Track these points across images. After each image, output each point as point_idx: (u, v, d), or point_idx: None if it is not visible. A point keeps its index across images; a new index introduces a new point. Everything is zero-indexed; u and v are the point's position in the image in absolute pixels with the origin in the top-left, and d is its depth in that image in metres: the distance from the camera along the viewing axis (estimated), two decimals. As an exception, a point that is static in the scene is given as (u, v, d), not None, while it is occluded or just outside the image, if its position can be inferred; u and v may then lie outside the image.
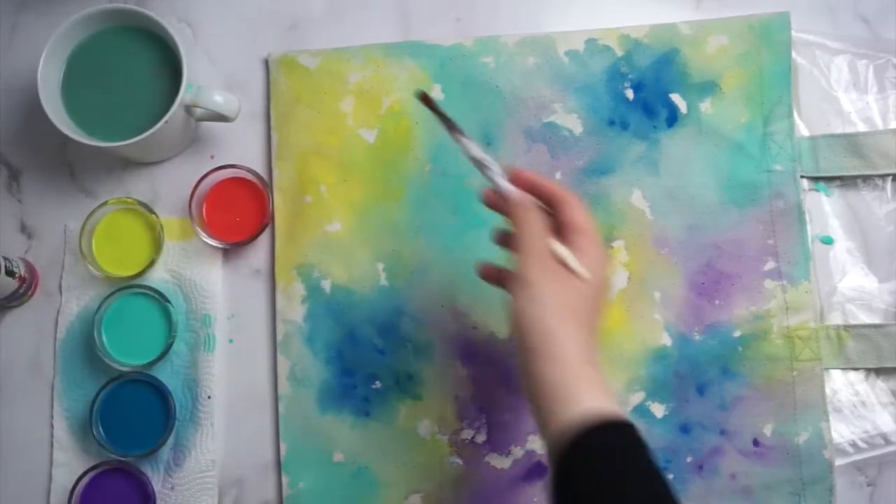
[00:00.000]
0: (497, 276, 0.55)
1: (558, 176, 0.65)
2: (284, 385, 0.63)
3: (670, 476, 0.61)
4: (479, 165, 0.52)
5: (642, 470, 0.44)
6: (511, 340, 0.63)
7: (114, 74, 0.62)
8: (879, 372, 0.62)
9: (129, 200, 0.64)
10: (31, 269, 0.65)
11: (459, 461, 0.62)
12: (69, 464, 0.63)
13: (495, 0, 0.68)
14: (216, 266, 0.65)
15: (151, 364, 0.62)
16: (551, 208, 0.51)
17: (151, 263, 0.63)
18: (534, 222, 0.50)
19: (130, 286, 0.63)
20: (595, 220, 0.63)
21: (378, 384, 0.63)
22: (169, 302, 0.63)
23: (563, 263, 0.48)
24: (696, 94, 0.65)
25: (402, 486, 0.62)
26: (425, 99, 0.55)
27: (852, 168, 0.64)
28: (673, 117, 0.65)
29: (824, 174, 0.64)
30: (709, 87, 0.65)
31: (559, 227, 0.50)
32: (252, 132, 0.67)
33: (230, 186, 0.65)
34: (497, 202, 0.53)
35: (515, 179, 0.52)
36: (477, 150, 0.52)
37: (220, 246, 0.64)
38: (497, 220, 0.64)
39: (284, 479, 0.62)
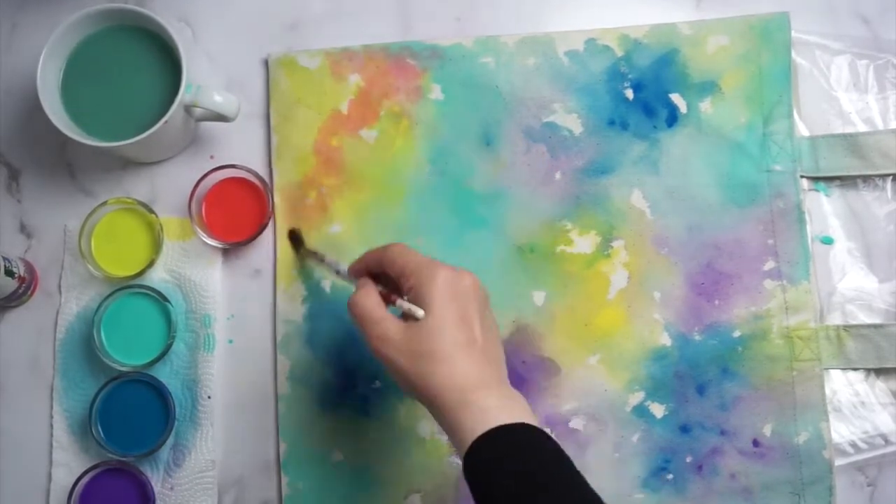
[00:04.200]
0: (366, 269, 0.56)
1: (558, 176, 0.65)
2: (284, 385, 0.63)
3: (669, 476, 0.61)
4: (341, 276, 0.56)
5: (550, 459, 0.45)
6: (510, 341, 0.63)
7: (114, 74, 0.62)
8: (879, 372, 0.62)
9: (128, 200, 0.64)
10: (30, 269, 0.65)
11: (459, 461, 0.62)
12: (69, 464, 0.63)
13: (495, 0, 0.68)
14: (216, 266, 0.65)
15: (151, 364, 0.62)
16: (382, 270, 0.52)
17: (151, 263, 0.63)
18: (358, 307, 0.50)
19: (130, 286, 0.63)
20: (595, 220, 0.64)
21: (378, 384, 0.63)
22: (168, 302, 0.63)
23: (409, 316, 0.49)
24: (696, 94, 0.65)
25: (402, 486, 0.62)
26: (292, 237, 0.63)
27: (852, 168, 0.64)
28: (673, 117, 0.65)
29: (824, 174, 0.64)
30: (709, 87, 0.65)
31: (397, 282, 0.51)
32: (252, 132, 0.67)
33: (230, 186, 0.65)
34: None
35: (351, 271, 0.55)
36: (332, 261, 0.58)
37: (219, 246, 0.64)
38: (497, 220, 0.64)
39: (284, 479, 0.62)
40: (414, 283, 0.49)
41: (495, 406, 0.46)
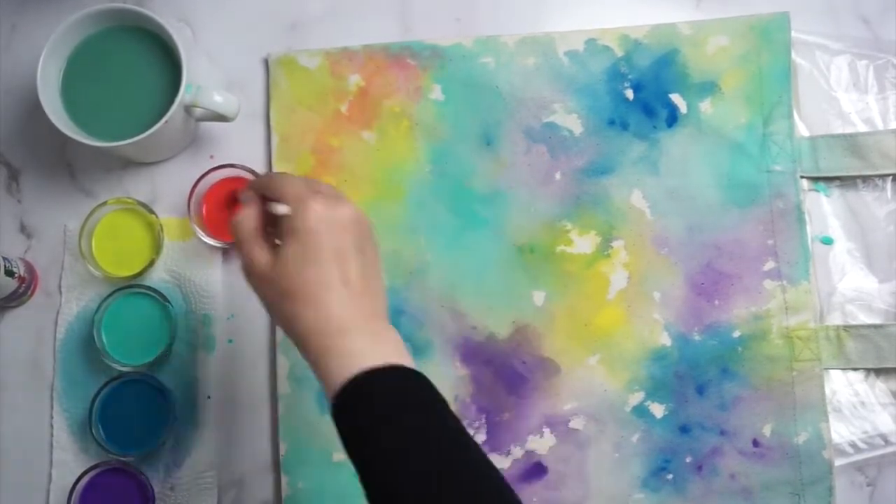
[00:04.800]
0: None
1: (558, 176, 0.65)
2: (284, 385, 0.63)
3: (669, 476, 0.61)
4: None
5: (423, 402, 0.43)
6: (511, 341, 0.63)
7: (114, 74, 0.62)
8: (879, 372, 0.62)
9: (128, 200, 0.64)
10: (30, 269, 0.65)
11: (459, 461, 0.62)
12: (69, 464, 0.63)
13: (495, 0, 0.68)
14: (216, 266, 0.65)
15: (151, 364, 0.62)
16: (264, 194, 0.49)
17: (151, 263, 0.63)
18: (239, 226, 0.48)
19: (130, 286, 0.63)
20: (595, 220, 0.64)
21: (378, 384, 0.63)
22: (169, 302, 0.63)
23: (277, 216, 0.46)
24: (695, 94, 0.65)
25: (402, 486, 0.62)
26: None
27: (852, 168, 0.64)
28: (673, 117, 0.65)
29: (824, 174, 0.64)
30: (709, 88, 0.65)
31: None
32: (252, 132, 0.67)
33: (230, 186, 0.65)
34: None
35: (243, 193, 0.51)
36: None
37: (219, 245, 0.64)
38: (497, 220, 0.64)
39: (284, 479, 0.62)
40: (289, 206, 0.46)
41: (362, 349, 0.44)
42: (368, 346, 0.44)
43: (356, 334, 0.44)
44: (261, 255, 0.47)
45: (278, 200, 0.47)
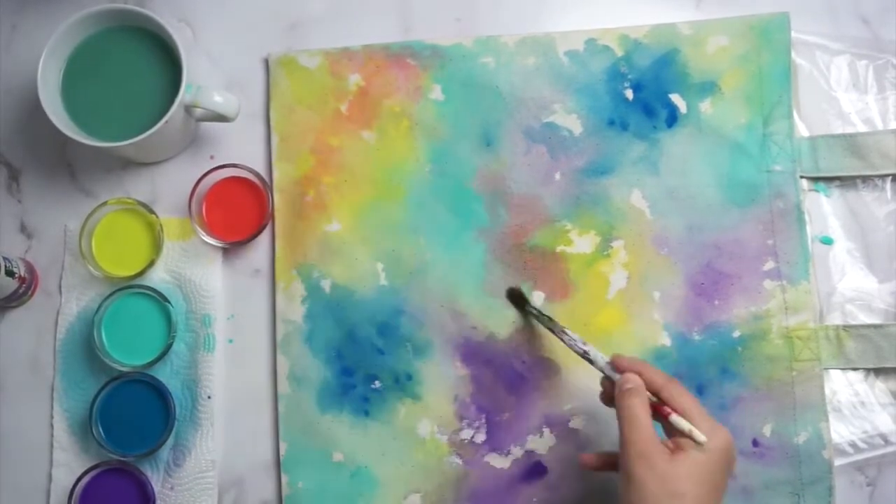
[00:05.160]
0: (604, 464, 0.56)
1: (558, 176, 0.65)
2: (284, 385, 0.63)
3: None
4: (586, 357, 0.56)
5: None
6: (511, 341, 0.63)
7: (114, 74, 0.62)
8: (879, 372, 0.62)
9: (128, 200, 0.64)
10: (31, 269, 0.65)
11: (459, 461, 0.62)
12: (69, 464, 0.63)
13: (495, 0, 0.68)
14: (216, 266, 0.65)
15: (151, 364, 0.62)
16: (655, 392, 0.52)
17: (151, 263, 0.63)
18: (634, 410, 0.50)
19: (130, 286, 0.63)
20: (595, 220, 0.64)
21: (377, 384, 0.63)
22: (169, 302, 0.63)
23: (681, 433, 0.50)
24: (695, 94, 0.65)
25: (402, 485, 0.62)
26: (519, 297, 0.62)
27: (852, 168, 0.64)
28: (673, 117, 0.65)
29: (824, 174, 0.64)
30: (709, 88, 0.65)
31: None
32: (252, 132, 0.67)
33: (230, 186, 0.65)
34: (608, 387, 0.55)
35: (618, 366, 0.54)
36: (581, 343, 0.56)
37: (219, 245, 0.64)
38: (497, 220, 0.64)
39: (284, 479, 0.62)
40: (697, 425, 0.50)
41: None
42: None
43: None
44: (658, 448, 0.49)
45: (677, 411, 0.51)
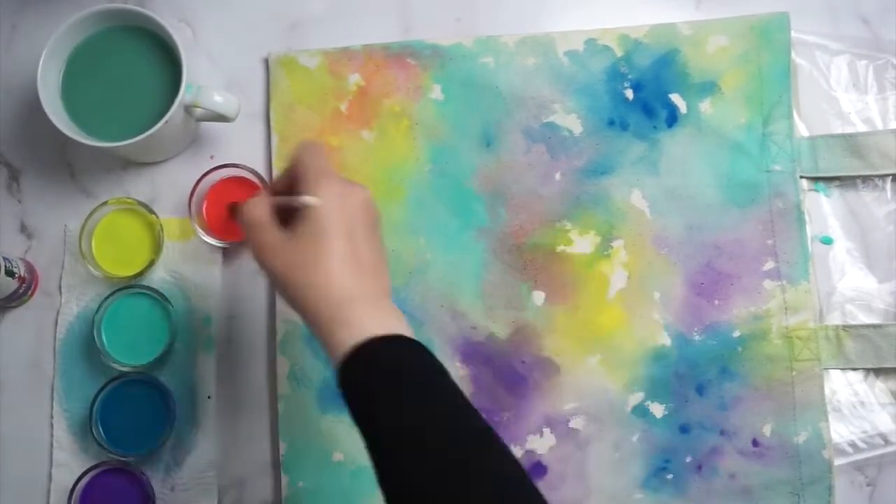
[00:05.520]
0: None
1: (558, 176, 0.65)
2: (284, 385, 0.63)
3: (669, 476, 0.61)
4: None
5: (419, 369, 0.45)
6: (511, 341, 0.63)
7: (114, 74, 0.62)
8: (878, 372, 0.62)
9: (128, 200, 0.64)
10: (31, 269, 0.65)
11: (459, 461, 0.62)
12: (69, 464, 0.63)
13: (495, 0, 0.68)
14: (216, 266, 0.65)
15: (151, 364, 0.62)
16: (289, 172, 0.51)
17: (151, 263, 0.63)
18: (249, 212, 0.49)
19: (130, 286, 0.63)
20: (595, 220, 0.64)
21: (378, 384, 0.63)
22: (169, 302, 0.63)
23: (293, 207, 0.48)
24: (695, 94, 0.65)
25: (402, 485, 0.62)
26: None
27: (852, 168, 0.64)
28: (672, 117, 0.65)
29: (824, 174, 0.64)
30: (708, 88, 0.65)
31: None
32: (252, 132, 0.67)
33: (230, 185, 0.65)
34: None
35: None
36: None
37: (219, 245, 0.64)
38: (497, 220, 0.64)
39: (284, 479, 0.62)
40: (307, 187, 0.48)
41: (370, 318, 0.46)
42: (375, 316, 0.46)
43: (364, 305, 0.46)
44: (274, 231, 0.48)
45: (298, 176, 0.49)
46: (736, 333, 0.62)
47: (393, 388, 0.44)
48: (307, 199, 0.47)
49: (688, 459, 0.62)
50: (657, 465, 0.62)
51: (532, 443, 0.62)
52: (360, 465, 0.62)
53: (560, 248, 0.64)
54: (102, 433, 0.62)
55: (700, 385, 0.62)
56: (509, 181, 0.65)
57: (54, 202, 0.67)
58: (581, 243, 0.64)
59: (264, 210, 0.50)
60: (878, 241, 0.64)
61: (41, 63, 0.60)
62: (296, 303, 0.48)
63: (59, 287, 0.65)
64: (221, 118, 0.62)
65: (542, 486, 0.61)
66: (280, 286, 0.49)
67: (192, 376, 0.63)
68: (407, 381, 0.45)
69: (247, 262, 0.65)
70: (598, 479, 0.62)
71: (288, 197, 0.49)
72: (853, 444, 0.62)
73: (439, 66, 0.66)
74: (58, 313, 0.65)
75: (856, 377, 0.62)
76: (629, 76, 0.65)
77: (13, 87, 0.68)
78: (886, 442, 0.62)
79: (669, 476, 0.61)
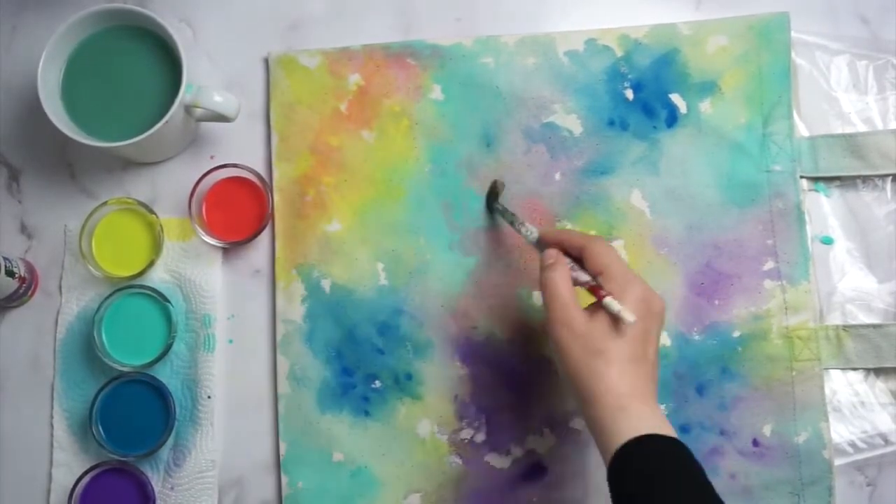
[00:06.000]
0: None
1: (558, 176, 0.65)
2: (284, 385, 0.63)
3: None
4: (539, 247, 0.57)
5: (687, 470, 0.47)
6: (511, 341, 0.63)
7: (114, 74, 0.62)
8: (879, 372, 0.62)
9: (128, 200, 0.64)
10: (31, 269, 0.65)
11: (459, 461, 0.62)
12: (69, 464, 0.63)
13: (495, 0, 0.68)
14: (216, 266, 0.65)
15: (151, 364, 0.62)
16: (578, 254, 0.54)
17: (151, 263, 0.63)
18: (552, 283, 0.52)
19: (130, 286, 0.63)
20: (595, 220, 0.64)
21: (377, 384, 0.63)
22: (169, 302, 0.63)
23: (611, 314, 0.51)
24: (695, 94, 0.65)
25: (402, 485, 0.62)
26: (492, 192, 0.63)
27: (852, 168, 0.64)
28: (673, 117, 0.65)
29: (824, 174, 0.64)
30: (708, 88, 0.65)
31: (593, 275, 0.53)
32: (252, 132, 0.67)
33: (230, 185, 0.65)
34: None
35: (542, 238, 0.56)
36: (536, 233, 0.57)
37: (219, 245, 0.64)
38: (497, 220, 0.64)
39: (284, 479, 0.62)
40: (614, 287, 0.51)
41: (649, 417, 0.49)
42: (651, 416, 0.49)
43: (643, 403, 0.49)
44: (579, 316, 0.51)
45: (595, 271, 0.52)
46: (736, 333, 0.62)
47: (669, 481, 0.46)
48: (626, 315, 0.50)
49: (688, 459, 0.62)
50: (657, 465, 0.62)
51: (532, 443, 0.62)
52: (360, 465, 0.62)
53: (560, 248, 0.64)
54: (102, 433, 0.62)
55: (700, 385, 0.62)
56: (509, 181, 0.65)
57: (54, 202, 0.67)
58: (581, 243, 0.64)
59: (568, 285, 0.52)
60: (878, 241, 0.64)
61: (41, 63, 0.60)
62: (581, 385, 0.50)
63: (59, 287, 0.65)
64: (221, 118, 0.62)
65: (542, 486, 0.62)
66: (569, 364, 0.51)
67: (192, 376, 0.63)
68: (681, 476, 0.47)
69: (247, 262, 0.65)
70: (597, 479, 0.62)
71: (606, 299, 0.51)
72: (853, 444, 0.62)
73: (439, 66, 0.66)
74: (58, 313, 0.65)
75: (856, 377, 0.62)
76: (629, 76, 0.65)
77: (13, 87, 0.68)
78: (886, 442, 0.62)
79: (669, 476, 0.61)
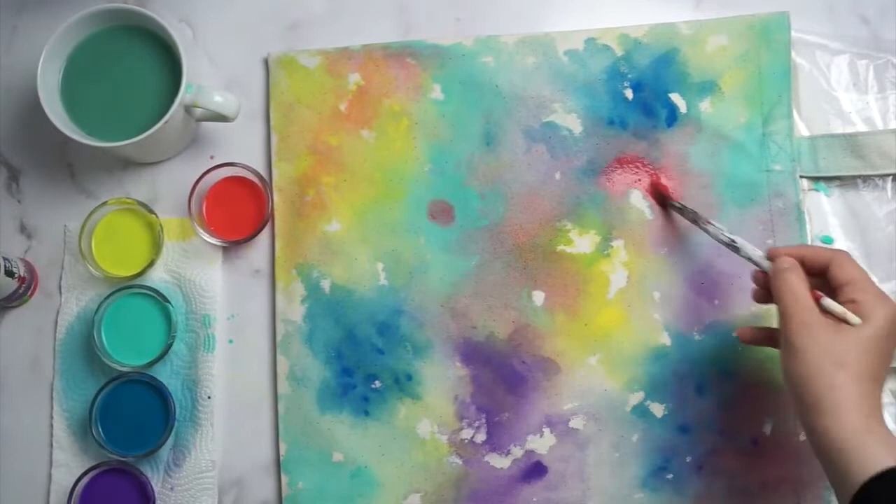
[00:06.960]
0: (762, 338, 0.57)
1: (558, 176, 0.65)
2: (284, 385, 0.63)
3: (669, 476, 0.61)
4: (733, 247, 0.56)
5: None
6: (511, 341, 0.63)
7: (114, 74, 0.62)
8: (879, 372, 0.62)
9: (128, 201, 0.64)
10: (30, 269, 0.65)
11: (459, 461, 0.62)
12: (69, 464, 0.63)
13: (495, 0, 0.68)
14: (216, 266, 0.65)
15: (151, 364, 0.62)
16: (821, 271, 0.53)
17: (151, 263, 0.63)
18: (793, 285, 0.51)
19: (130, 286, 0.63)
20: (595, 220, 0.64)
21: (377, 384, 0.63)
22: (169, 302, 0.63)
23: (835, 315, 0.50)
24: (695, 93, 0.65)
25: (402, 486, 0.62)
26: (664, 192, 0.63)
27: (852, 168, 0.64)
28: (672, 117, 0.65)
29: (824, 174, 0.64)
30: (708, 87, 0.65)
31: (833, 287, 0.52)
32: (252, 132, 0.67)
33: (230, 185, 0.65)
34: (762, 279, 0.56)
35: (773, 253, 0.54)
36: (727, 234, 0.57)
37: (219, 244, 0.64)
38: (497, 220, 0.64)
39: (284, 479, 0.62)
40: (860, 298, 0.50)
41: (885, 446, 0.46)
42: (890, 445, 0.47)
43: (883, 424, 0.47)
44: (820, 321, 0.50)
45: (840, 282, 0.51)
46: (736, 333, 0.62)
47: None
48: (850, 316, 0.49)
49: (688, 459, 0.62)
50: (657, 465, 0.62)
51: (532, 443, 0.62)
52: (360, 465, 0.62)
53: (560, 248, 0.64)
54: (102, 433, 0.62)
55: (700, 385, 0.62)
56: (509, 181, 0.65)
57: (54, 202, 0.67)
58: (581, 243, 0.64)
59: (807, 288, 0.51)
60: (878, 241, 0.64)
61: (41, 63, 0.60)
62: (810, 388, 0.48)
63: (59, 287, 0.65)
64: (221, 118, 0.62)
65: (542, 486, 0.62)
66: (802, 364, 0.49)
67: (192, 376, 0.63)
68: None
69: (247, 262, 0.65)
70: (597, 479, 0.62)
71: (824, 300, 0.50)
72: (853, 444, 0.62)
73: (439, 66, 0.66)
74: (58, 313, 0.65)
75: (856, 377, 0.62)
76: (629, 76, 0.65)
77: (13, 87, 0.68)
78: (887, 442, 0.61)
79: (669, 476, 0.61)
